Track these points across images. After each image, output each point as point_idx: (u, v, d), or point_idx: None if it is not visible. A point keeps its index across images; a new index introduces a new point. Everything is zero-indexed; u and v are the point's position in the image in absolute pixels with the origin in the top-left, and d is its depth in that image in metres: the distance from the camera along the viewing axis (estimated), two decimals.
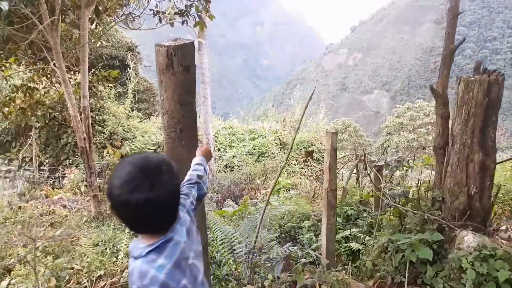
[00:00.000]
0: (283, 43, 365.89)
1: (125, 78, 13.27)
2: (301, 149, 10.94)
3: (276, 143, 10.53)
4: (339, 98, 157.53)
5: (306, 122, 13.52)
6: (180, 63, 1.30)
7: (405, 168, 5.18)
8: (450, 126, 2.40)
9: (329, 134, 2.95)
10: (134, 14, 4.61)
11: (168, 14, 4.90)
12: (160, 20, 4.73)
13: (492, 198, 2.58)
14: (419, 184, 3.09)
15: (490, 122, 2.24)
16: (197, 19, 4.48)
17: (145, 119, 13.19)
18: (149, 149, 10.78)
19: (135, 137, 11.22)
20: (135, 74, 20.17)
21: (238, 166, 9.40)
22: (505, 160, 4.85)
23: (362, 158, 4.75)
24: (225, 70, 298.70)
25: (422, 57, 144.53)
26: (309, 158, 9.48)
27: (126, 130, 11.33)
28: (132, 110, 13.18)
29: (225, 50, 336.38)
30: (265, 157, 9.89)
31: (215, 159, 10.15)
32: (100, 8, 4.21)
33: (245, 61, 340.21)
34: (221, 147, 10.69)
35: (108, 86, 11.38)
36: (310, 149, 9.05)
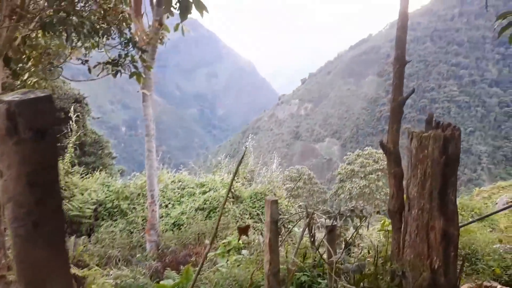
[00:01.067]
0: (237, 94, 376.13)
1: (67, 131, 12.42)
2: (254, 201, 10.50)
3: (228, 196, 10.03)
4: (293, 146, 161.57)
5: (260, 173, 13.19)
6: (29, 126, 0.88)
7: (358, 220, 4.97)
8: (405, 187, 2.13)
9: (268, 202, 2.52)
10: (54, 64, 4.20)
11: (103, 64, 4.52)
12: (89, 70, 4.34)
13: (458, 271, 2.31)
14: (375, 258, 2.75)
15: (450, 183, 1.98)
16: (133, 70, 4.15)
17: (87, 174, 12.21)
18: (88, 208, 9.83)
19: (74, 196, 10.24)
20: (83, 126, 19.23)
21: (187, 224, 8.73)
22: (468, 223, 4.69)
23: (314, 215, 4.41)
24: (181, 120, 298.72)
25: (368, 106, 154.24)
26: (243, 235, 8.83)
27: (63, 188, 10.35)
28: (73, 166, 12.18)
29: (181, 101, 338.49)
30: (216, 212, 9.32)
31: (162, 216, 9.41)
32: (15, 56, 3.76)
33: (200, 111, 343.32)
34: (169, 203, 9.99)
35: None
36: (245, 224, 8.27)
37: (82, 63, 4.24)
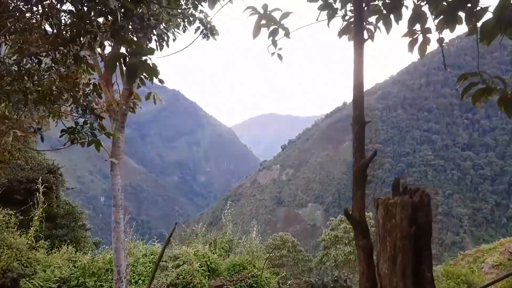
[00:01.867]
0: (219, 160, 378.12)
1: (32, 203, 11.85)
2: (232, 274, 9.88)
3: (203, 269, 9.42)
4: (276, 212, 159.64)
5: (239, 243, 12.65)
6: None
7: None
8: (375, 262, 1.88)
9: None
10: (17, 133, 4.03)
11: (62, 133, 4.33)
12: (42, 139, 4.16)
13: None
14: None
15: (424, 257, 1.74)
16: (91, 138, 3.99)
17: (57, 247, 11.42)
18: (50, 287, 9.00)
19: (35, 273, 9.42)
20: (56, 197, 18.48)
21: None
22: None
23: None
24: (162, 188, 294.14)
25: (347, 171, 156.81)
26: None
27: (25, 264, 9.55)
28: (38, 240, 11.41)
29: (162, 169, 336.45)
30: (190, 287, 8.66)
31: None
32: None
33: (181, 178, 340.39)
34: (139, 279, 9.25)
35: (7, 213, 9.93)
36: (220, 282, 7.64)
37: (34, 131, 4.07)
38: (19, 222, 11.14)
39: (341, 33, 3.17)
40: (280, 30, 2.41)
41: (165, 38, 4.83)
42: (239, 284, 9.34)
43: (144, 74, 2.18)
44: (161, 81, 7.98)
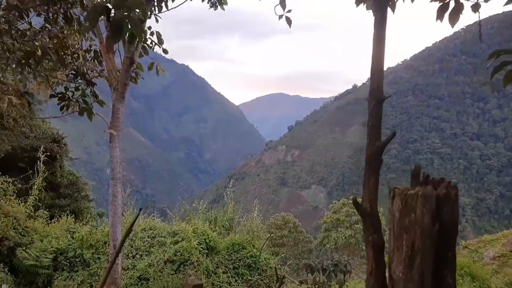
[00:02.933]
0: (225, 138, 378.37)
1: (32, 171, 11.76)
2: (231, 253, 9.75)
3: (202, 247, 9.28)
4: (279, 192, 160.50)
5: (240, 221, 12.52)
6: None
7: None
8: (387, 262, 1.58)
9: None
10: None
11: (51, 98, 4.05)
12: (29, 103, 3.91)
13: None
14: None
15: (447, 260, 1.44)
16: (83, 105, 3.69)
17: (52, 219, 11.34)
18: (46, 257, 8.94)
19: (32, 243, 9.36)
20: (60, 167, 18.44)
21: (154, 278, 7.88)
22: None
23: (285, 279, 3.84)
24: (167, 163, 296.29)
25: (353, 155, 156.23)
26: None
27: (22, 233, 9.49)
28: (38, 209, 11.35)
29: (168, 144, 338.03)
30: (187, 265, 8.53)
31: (127, 268, 8.57)
32: None
33: (187, 154, 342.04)
34: (137, 254, 9.15)
35: (5, 181, 9.84)
36: (199, 282, 6.84)
37: (21, 94, 3.79)
38: (20, 190, 11.07)
39: (359, 1, 2.80)
40: None
41: None
42: (237, 263, 9.22)
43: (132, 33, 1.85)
44: (165, 50, 7.59)
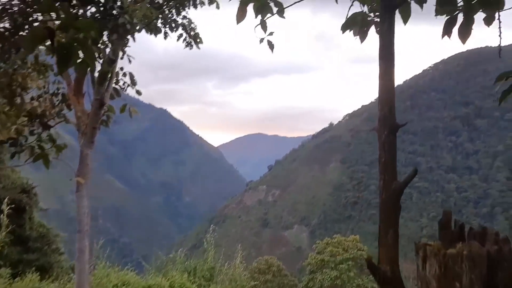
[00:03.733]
0: (205, 180, 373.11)
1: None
2: None
3: None
4: (261, 234, 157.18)
5: (221, 270, 11.69)
6: None
7: None
8: None
9: None
10: None
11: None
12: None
13: None
14: None
15: None
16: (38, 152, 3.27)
17: (16, 277, 10.35)
18: None
19: None
20: (29, 218, 17.23)
21: None
22: None
23: None
24: (145, 209, 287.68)
25: (333, 193, 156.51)
26: None
27: None
28: (0, 267, 10.35)
29: (146, 189, 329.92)
30: None
31: None
32: None
33: (166, 199, 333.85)
34: None
35: None
36: None
37: None
38: None
39: (345, 26, 2.57)
40: (272, 5, 1.79)
41: (128, 27, 4.16)
42: None
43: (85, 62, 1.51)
44: (138, 92, 7.23)
